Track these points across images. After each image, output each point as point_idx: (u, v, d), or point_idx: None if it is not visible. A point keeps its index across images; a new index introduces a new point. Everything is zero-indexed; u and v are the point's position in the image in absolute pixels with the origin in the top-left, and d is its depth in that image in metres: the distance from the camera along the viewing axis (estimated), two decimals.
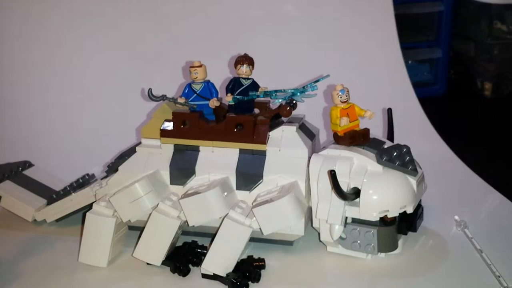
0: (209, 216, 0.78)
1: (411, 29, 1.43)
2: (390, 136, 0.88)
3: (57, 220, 0.92)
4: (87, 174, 0.97)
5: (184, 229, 0.84)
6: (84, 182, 0.95)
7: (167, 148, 0.84)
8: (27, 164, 1.01)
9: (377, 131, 0.98)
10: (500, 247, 0.83)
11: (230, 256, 0.77)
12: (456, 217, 0.89)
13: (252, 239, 0.82)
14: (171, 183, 0.84)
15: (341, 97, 0.80)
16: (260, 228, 0.78)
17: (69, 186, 0.94)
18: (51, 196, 0.93)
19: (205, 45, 1.24)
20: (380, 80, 1.28)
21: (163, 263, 0.80)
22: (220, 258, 0.77)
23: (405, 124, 1.18)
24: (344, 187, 0.77)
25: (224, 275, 0.77)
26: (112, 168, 0.89)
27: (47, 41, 1.23)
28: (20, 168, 0.99)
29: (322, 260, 0.82)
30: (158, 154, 0.85)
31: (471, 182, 1.05)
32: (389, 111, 0.89)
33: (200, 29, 1.25)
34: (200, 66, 0.83)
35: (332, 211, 0.77)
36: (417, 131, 1.21)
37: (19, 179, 0.97)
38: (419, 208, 0.82)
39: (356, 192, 0.77)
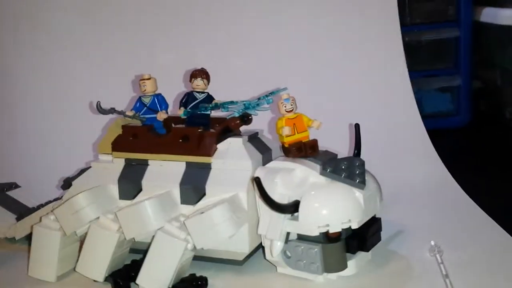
0: (145, 228, 0.75)
1: (429, 56, 1.36)
2: (357, 153, 0.82)
3: (27, 238, 0.93)
4: None
5: (136, 247, 0.81)
6: (56, 199, 0.96)
7: (118, 163, 0.84)
8: (13, 185, 1.04)
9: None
10: (474, 276, 0.74)
11: (164, 272, 0.73)
12: (432, 242, 0.81)
13: (200, 258, 0.78)
14: (120, 198, 0.82)
15: (285, 106, 0.76)
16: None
17: (43, 204, 0.95)
18: (21, 213, 0.94)
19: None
20: (388, 108, 1.22)
21: (106, 279, 0.78)
22: (154, 273, 0.74)
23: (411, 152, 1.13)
24: (285, 200, 0.72)
25: None
26: (66, 183, 0.89)
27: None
28: (5, 189, 1.02)
29: (271, 282, 0.77)
30: (111, 169, 0.84)
31: (469, 212, 0.96)
32: (357, 126, 0.83)
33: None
34: (149, 79, 0.83)
35: (271, 226, 0.72)
36: (421, 157, 1.14)
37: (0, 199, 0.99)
38: (372, 225, 0.75)
39: (296, 205, 0.72)
